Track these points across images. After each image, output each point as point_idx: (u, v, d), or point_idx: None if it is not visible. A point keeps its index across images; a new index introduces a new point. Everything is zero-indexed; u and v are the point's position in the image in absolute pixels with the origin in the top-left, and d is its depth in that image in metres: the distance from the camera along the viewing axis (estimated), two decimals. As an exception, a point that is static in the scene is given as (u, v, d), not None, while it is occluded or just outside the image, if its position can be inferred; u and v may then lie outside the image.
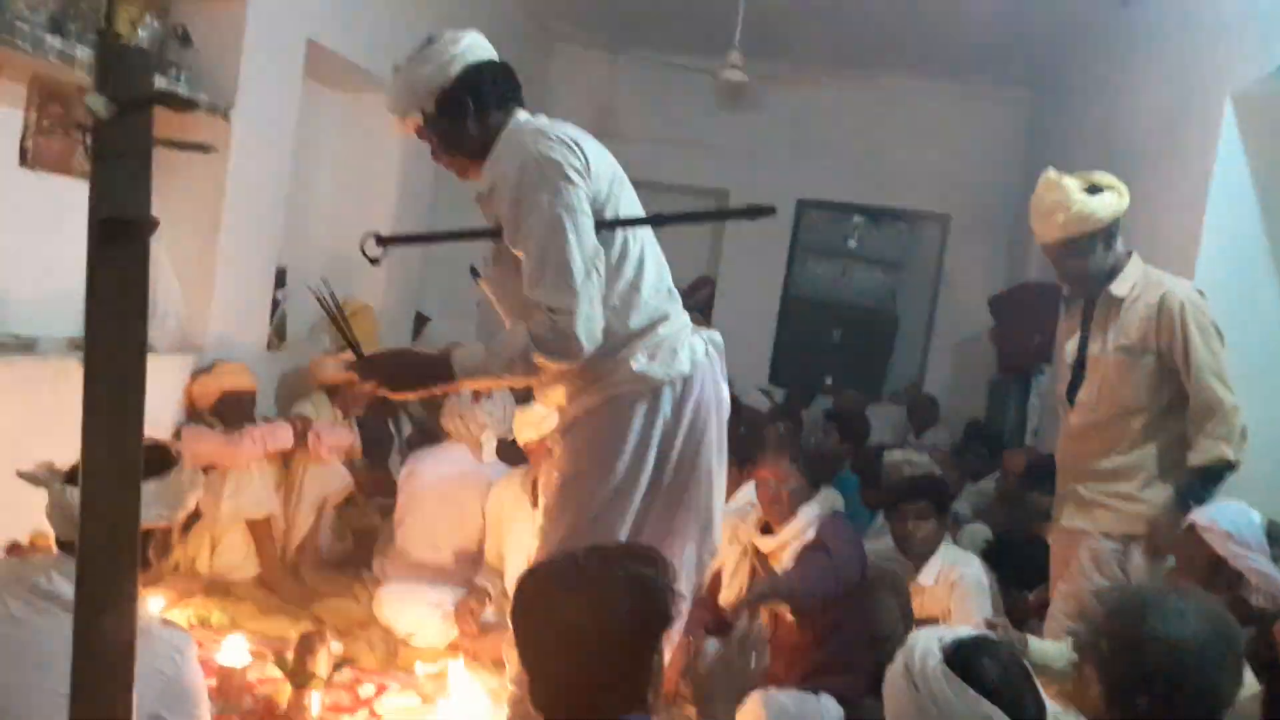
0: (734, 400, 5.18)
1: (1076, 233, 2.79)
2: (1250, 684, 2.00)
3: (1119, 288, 2.84)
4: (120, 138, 1.01)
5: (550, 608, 1.41)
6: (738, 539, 3.33)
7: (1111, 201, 2.78)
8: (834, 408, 6.12)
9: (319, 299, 2.25)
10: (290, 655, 2.74)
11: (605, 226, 2.14)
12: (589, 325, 2.08)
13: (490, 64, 2.24)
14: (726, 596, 3.30)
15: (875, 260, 7.30)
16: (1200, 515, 2.39)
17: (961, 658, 1.44)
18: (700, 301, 7.37)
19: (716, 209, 2.12)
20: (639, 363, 2.16)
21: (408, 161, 5.07)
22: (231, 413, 3.61)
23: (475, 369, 2.16)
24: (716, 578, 3.39)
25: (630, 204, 2.24)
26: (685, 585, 2.25)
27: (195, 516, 3.53)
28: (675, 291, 2.33)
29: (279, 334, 4.43)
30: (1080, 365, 2.94)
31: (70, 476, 1.73)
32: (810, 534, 3.07)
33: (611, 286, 2.16)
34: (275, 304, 4.39)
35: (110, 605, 1.17)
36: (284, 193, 4.17)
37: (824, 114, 7.01)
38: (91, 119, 1.03)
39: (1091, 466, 2.84)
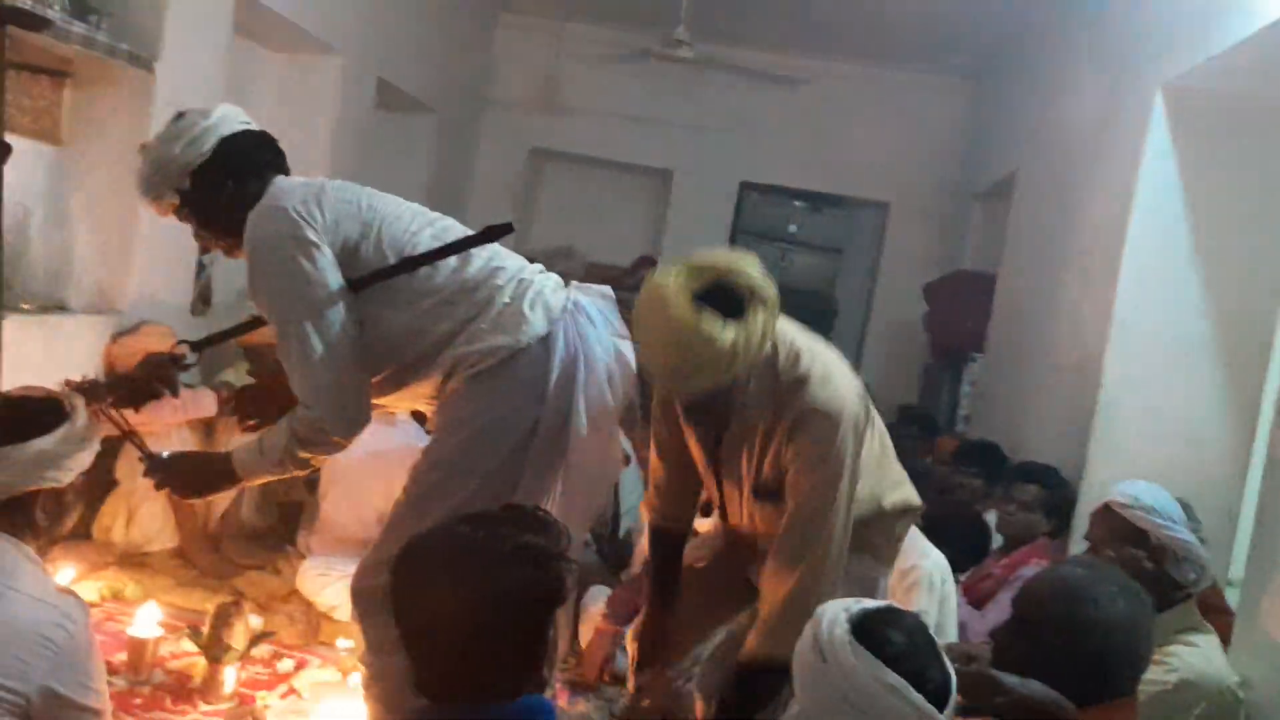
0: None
1: (725, 381, 1.89)
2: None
3: (755, 412, 2.03)
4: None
5: (436, 582, 1.32)
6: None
7: (763, 322, 1.86)
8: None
9: (106, 416, 2.19)
10: (205, 628, 2.66)
11: (358, 286, 2.06)
12: (342, 412, 2.05)
13: (246, 134, 2.13)
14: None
15: (815, 246, 7.34)
16: (1116, 495, 2.39)
17: (868, 627, 1.44)
18: (641, 281, 7.34)
19: (458, 240, 2.07)
20: (485, 341, 2.07)
21: (341, 128, 4.94)
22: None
23: (254, 469, 2.13)
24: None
25: (396, 224, 2.13)
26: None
27: (112, 485, 3.42)
28: (505, 260, 2.18)
29: (203, 299, 4.29)
30: (717, 483, 2.20)
31: None
32: None
33: (414, 304, 2.08)
34: (200, 268, 4.25)
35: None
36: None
37: (769, 97, 7.00)
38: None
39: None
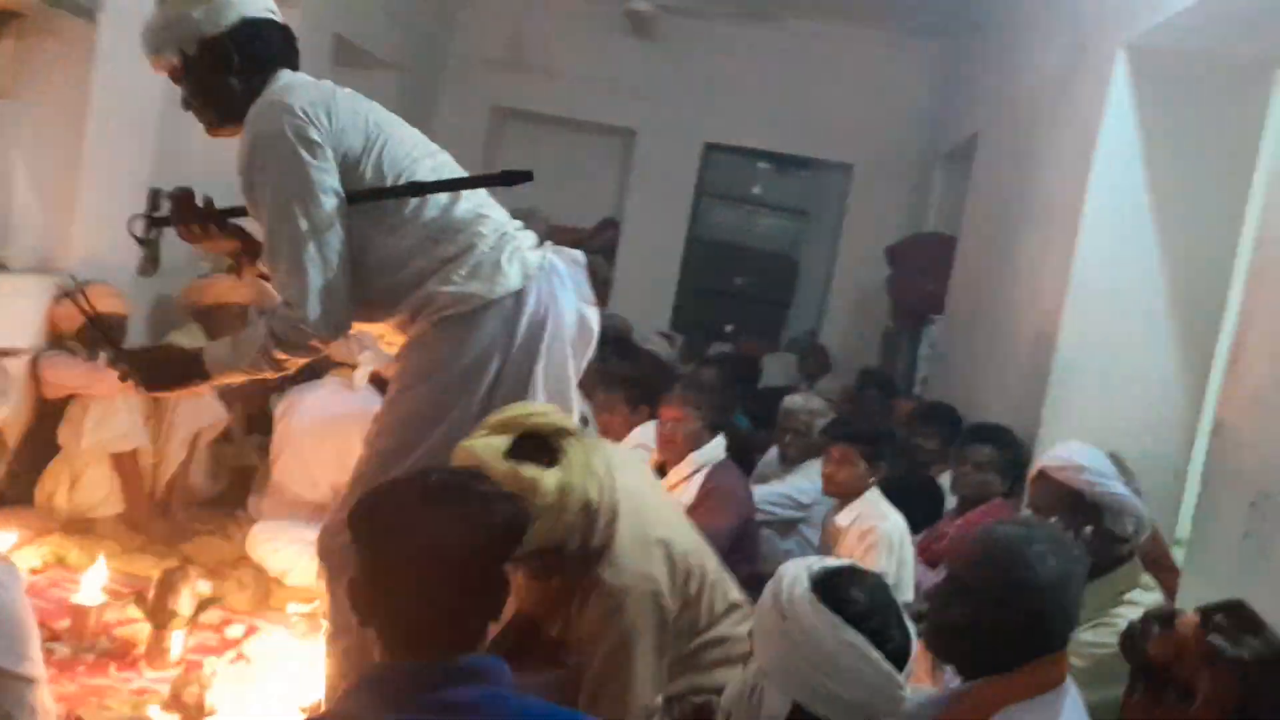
0: (631, 343, 5.20)
1: (562, 526, 1.80)
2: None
3: (572, 571, 1.93)
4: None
5: (409, 525, 1.31)
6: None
7: (580, 454, 1.83)
8: (732, 353, 6.15)
9: (68, 295, 2.13)
10: (150, 594, 2.62)
11: (355, 200, 2.03)
12: (326, 316, 2.01)
13: (270, 24, 2.10)
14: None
15: (779, 207, 7.31)
16: (1047, 459, 2.40)
17: (829, 586, 1.44)
18: (604, 243, 7.30)
19: (472, 176, 2.10)
20: (456, 284, 2.06)
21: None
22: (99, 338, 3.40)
23: (224, 366, 2.09)
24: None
25: (399, 145, 2.11)
26: None
27: (54, 449, 3.34)
28: (487, 209, 2.19)
29: (151, 259, 4.17)
30: None
31: None
32: (698, 480, 3.09)
33: (398, 230, 2.06)
34: (150, 225, 4.12)
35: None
36: (156, 107, 3.90)
37: (734, 57, 6.93)
38: None
39: None
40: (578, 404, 2.34)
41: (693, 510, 2.98)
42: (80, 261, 3.61)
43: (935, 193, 6.39)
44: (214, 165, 4.24)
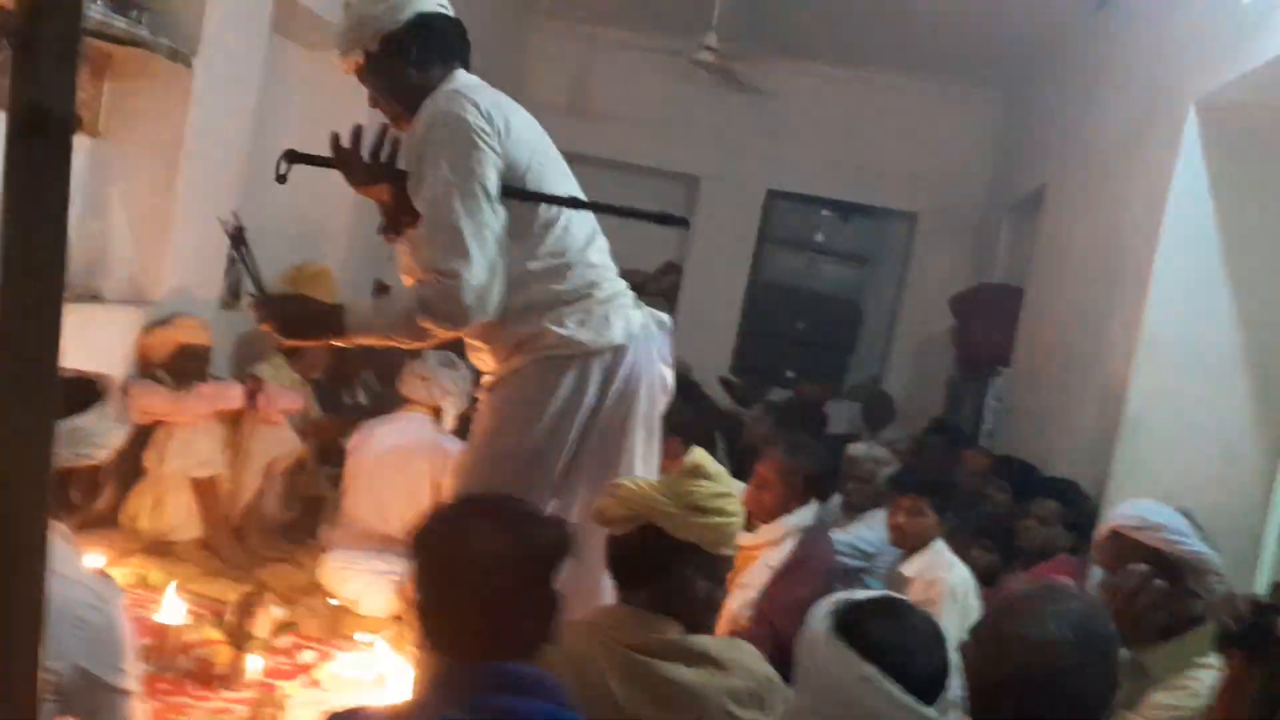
0: (694, 386, 5.22)
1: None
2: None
3: None
4: (44, 21, 0.91)
5: (460, 537, 1.43)
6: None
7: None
8: (794, 399, 6.14)
9: (227, 233, 2.22)
10: (230, 616, 2.69)
11: (513, 196, 2.10)
12: (479, 292, 2.04)
13: (442, 17, 2.22)
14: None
15: (842, 254, 7.33)
16: (1119, 518, 2.30)
17: (850, 620, 1.40)
18: (666, 287, 7.37)
19: (631, 207, 2.17)
20: (567, 328, 2.12)
21: (376, 125, 4.98)
22: (184, 368, 3.53)
23: (364, 325, 2.13)
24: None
25: (556, 176, 2.20)
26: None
27: (140, 473, 3.47)
28: (610, 263, 2.28)
29: (233, 292, 4.34)
30: None
31: None
32: (788, 545, 2.91)
33: (533, 251, 2.13)
34: (231, 262, 4.29)
35: (20, 549, 1.08)
36: (245, 147, 4.08)
37: (798, 105, 7.02)
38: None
39: None
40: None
41: (783, 575, 2.84)
42: (170, 293, 3.77)
43: (1001, 243, 6.37)
44: (301, 204, 4.43)
